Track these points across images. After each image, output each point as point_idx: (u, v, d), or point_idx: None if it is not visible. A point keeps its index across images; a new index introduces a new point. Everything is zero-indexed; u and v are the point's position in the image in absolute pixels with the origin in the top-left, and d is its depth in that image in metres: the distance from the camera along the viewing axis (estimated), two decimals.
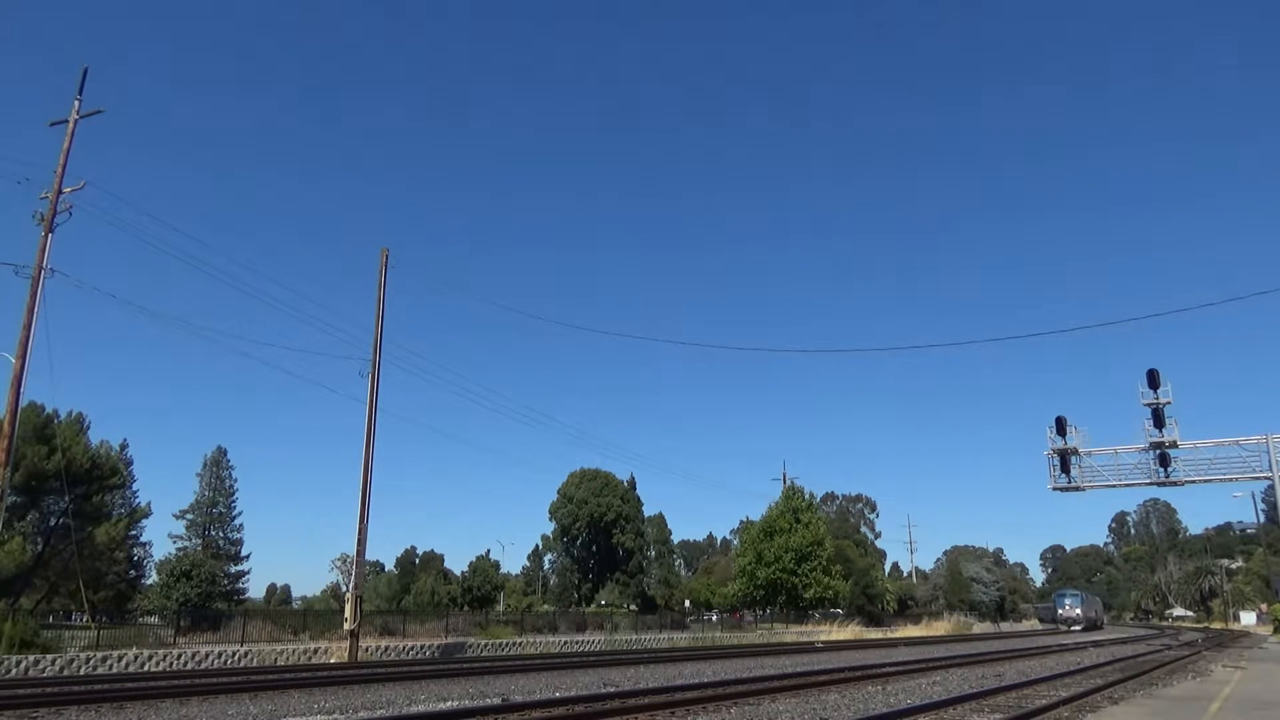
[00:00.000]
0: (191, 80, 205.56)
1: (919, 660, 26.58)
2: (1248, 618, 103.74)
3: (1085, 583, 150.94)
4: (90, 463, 46.07)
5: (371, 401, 30.68)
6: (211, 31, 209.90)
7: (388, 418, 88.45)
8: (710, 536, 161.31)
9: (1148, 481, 38.42)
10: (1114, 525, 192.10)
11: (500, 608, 70.46)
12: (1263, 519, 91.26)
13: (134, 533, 53.16)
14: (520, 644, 37.42)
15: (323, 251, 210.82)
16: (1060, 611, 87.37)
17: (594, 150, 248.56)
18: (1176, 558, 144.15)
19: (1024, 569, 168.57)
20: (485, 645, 35.57)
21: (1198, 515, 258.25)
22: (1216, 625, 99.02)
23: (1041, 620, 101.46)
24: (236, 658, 26.77)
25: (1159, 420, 35.81)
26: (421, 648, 33.05)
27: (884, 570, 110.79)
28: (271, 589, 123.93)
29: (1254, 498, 70.45)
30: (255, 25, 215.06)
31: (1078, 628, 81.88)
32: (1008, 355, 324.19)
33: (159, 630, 31.52)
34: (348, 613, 28.79)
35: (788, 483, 71.51)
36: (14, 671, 21.77)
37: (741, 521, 76.51)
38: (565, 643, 39.70)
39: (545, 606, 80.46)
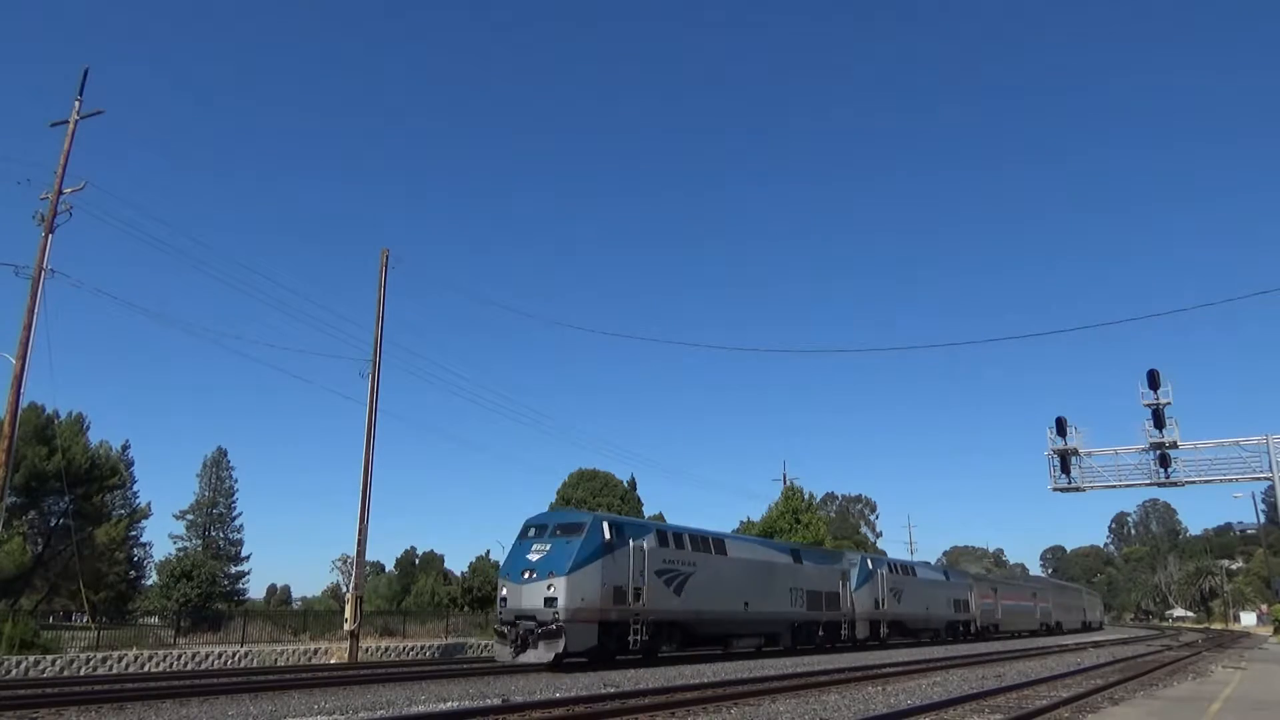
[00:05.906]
0: (191, 80, 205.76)
1: (919, 660, 26.55)
2: (1248, 618, 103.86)
3: (1085, 583, 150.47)
4: (90, 463, 46.19)
5: (371, 402, 30.68)
6: (211, 31, 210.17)
7: (388, 418, 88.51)
8: None
9: (1148, 482, 38.42)
10: (1114, 525, 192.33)
11: None
12: (1263, 519, 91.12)
13: (134, 533, 53.37)
14: None
15: (323, 251, 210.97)
16: (502, 596, 22.74)
17: (594, 150, 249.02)
18: (1177, 558, 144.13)
19: (1024, 569, 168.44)
20: (486, 646, 35.53)
21: (1198, 515, 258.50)
22: (1217, 626, 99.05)
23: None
24: (237, 658, 26.78)
25: (1159, 421, 35.82)
26: (422, 648, 33.03)
27: None
28: (272, 589, 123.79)
29: (1254, 498, 70.39)
30: (255, 25, 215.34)
31: (537, 655, 20.96)
32: (1008, 355, 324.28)
33: (159, 631, 31.57)
34: (348, 613, 28.78)
35: (788, 483, 71.36)
36: (14, 672, 21.76)
37: (741, 522, 76.40)
38: None
39: None
